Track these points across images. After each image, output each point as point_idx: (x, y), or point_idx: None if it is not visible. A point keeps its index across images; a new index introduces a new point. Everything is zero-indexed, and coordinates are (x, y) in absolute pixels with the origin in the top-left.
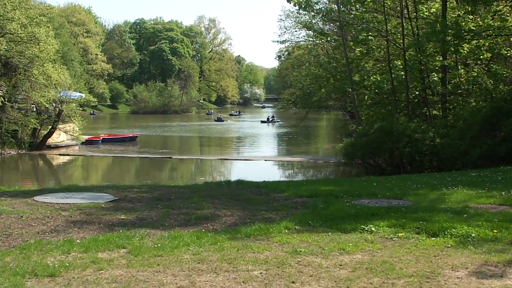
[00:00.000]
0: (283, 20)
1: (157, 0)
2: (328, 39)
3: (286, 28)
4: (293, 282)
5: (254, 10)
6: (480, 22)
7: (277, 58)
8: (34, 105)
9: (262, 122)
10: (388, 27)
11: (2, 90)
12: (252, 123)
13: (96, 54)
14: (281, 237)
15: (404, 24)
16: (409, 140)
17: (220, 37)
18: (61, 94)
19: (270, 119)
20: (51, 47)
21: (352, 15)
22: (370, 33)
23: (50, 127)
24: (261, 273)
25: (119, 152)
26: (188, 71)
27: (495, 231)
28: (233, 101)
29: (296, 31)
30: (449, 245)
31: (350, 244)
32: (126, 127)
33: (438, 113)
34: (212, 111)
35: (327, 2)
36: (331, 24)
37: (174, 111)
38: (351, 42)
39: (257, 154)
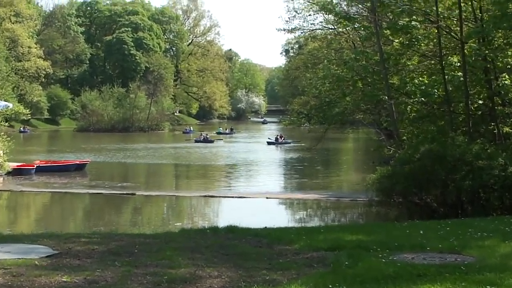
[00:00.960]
0: (292, 0)
1: None
2: (355, 26)
3: (296, 11)
4: None
5: None
6: None
7: (284, 54)
8: None
9: (270, 143)
10: (440, 9)
11: None
12: (250, 145)
13: (29, 47)
14: None
15: (462, 4)
16: (470, 169)
17: (204, 24)
18: None
19: (280, 140)
20: None
21: None
22: (414, 17)
23: None
24: None
25: (61, 186)
26: (159, 72)
27: None
28: (222, 114)
29: (310, 15)
30: None
31: None
32: (71, 150)
33: (511, 130)
34: (191, 128)
35: None
36: (359, 5)
37: (139, 128)
38: (388, 30)
39: (257, 190)
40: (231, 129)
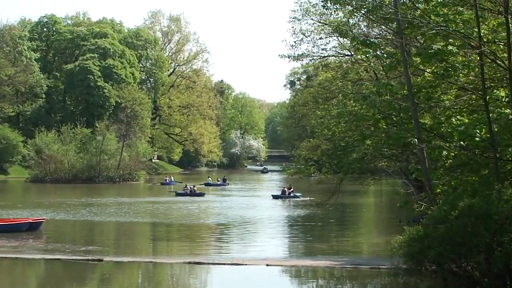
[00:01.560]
0: (299, 20)
1: None
2: (378, 52)
3: (303, 33)
4: None
5: (246, 19)
6: None
7: (288, 86)
8: None
9: (275, 197)
10: (483, 31)
11: None
12: (247, 199)
13: None
14: None
15: (511, 24)
16: None
17: (189, 49)
18: None
19: (289, 192)
20: None
21: (419, 12)
22: (451, 41)
23: None
24: None
25: (10, 249)
26: (133, 108)
27: None
28: (212, 161)
29: (321, 38)
30: None
31: None
32: (23, 205)
33: None
34: (172, 178)
35: None
36: (383, 27)
37: (107, 178)
38: (418, 57)
39: (255, 255)
40: (224, 180)
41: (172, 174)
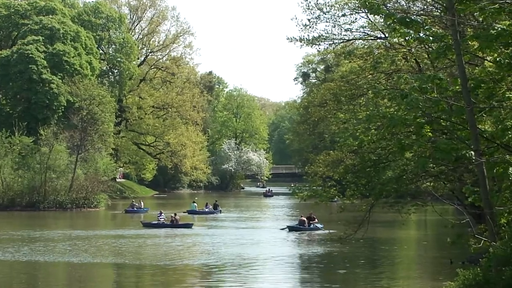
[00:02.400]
0: None
1: None
2: (421, 34)
3: (320, 8)
4: None
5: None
6: None
7: (300, 80)
8: None
9: (292, 229)
10: None
11: None
12: (246, 232)
13: None
14: None
15: None
16: None
17: (167, 30)
18: None
19: (309, 223)
20: None
21: None
22: None
23: None
24: None
25: None
26: (90, 110)
27: None
28: (197, 181)
29: (344, 15)
30: None
31: None
32: None
33: None
34: (142, 203)
35: None
36: (428, 0)
37: (56, 204)
38: (475, 41)
39: None
40: (215, 206)
41: (141, 198)
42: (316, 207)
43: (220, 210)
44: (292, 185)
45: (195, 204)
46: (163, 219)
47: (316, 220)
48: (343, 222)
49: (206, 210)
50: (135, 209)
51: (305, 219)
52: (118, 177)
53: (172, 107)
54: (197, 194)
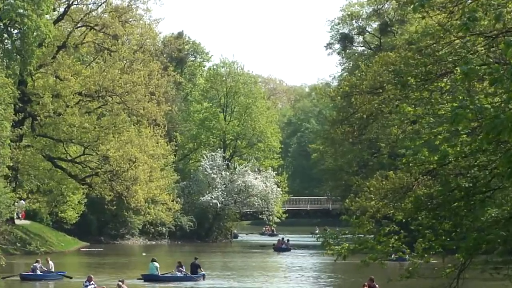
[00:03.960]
0: None
1: None
2: None
3: None
4: None
5: None
6: None
7: (337, 48)
8: None
9: None
10: None
11: None
12: None
13: None
14: None
15: None
16: None
17: None
18: None
19: None
20: None
21: None
22: None
23: None
24: None
25: None
26: None
27: None
28: (156, 224)
29: None
30: None
31: None
32: None
33: None
34: (50, 264)
35: None
36: None
37: None
38: None
39: None
40: (194, 267)
41: (59, 255)
42: (365, 270)
43: (204, 275)
44: (318, 232)
45: (156, 264)
46: None
47: None
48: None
49: (179, 274)
50: (39, 273)
51: None
52: (18, 216)
53: (113, 94)
54: (158, 248)
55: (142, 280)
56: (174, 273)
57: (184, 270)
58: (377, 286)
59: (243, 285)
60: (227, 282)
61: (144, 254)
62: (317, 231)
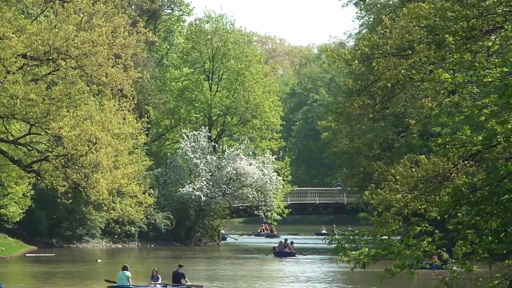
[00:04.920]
0: None
1: None
2: None
3: None
4: None
5: None
6: None
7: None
8: None
9: None
10: None
11: None
12: None
13: None
14: None
15: None
16: None
17: None
18: None
19: None
20: None
21: None
22: None
23: None
24: None
25: None
26: None
27: None
28: (123, 223)
29: None
30: None
31: None
32: None
33: None
34: None
35: None
36: None
37: None
38: None
39: None
40: (176, 276)
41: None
42: (390, 281)
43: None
44: (327, 237)
45: (127, 273)
46: None
47: None
48: None
49: (157, 285)
50: None
51: None
52: None
53: (67, 57)
54: (126, 252)
55: None
56: (150, 284)
57: (158, 280)
58: None
59: None
60: None
61: (99, 260)
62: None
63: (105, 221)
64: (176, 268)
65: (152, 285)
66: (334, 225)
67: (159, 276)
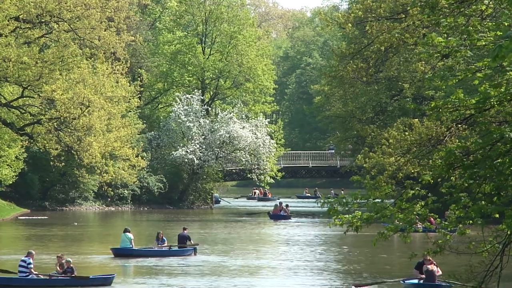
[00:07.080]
0: None
1: None
2: None
3: None
4: None
5: None
6: None
7: None
8: None
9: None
10: None
11: None
12: None
13: None
14: None
15: None
16: None
17: None
18: None
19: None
20: None
21: None
22: None
23: None
24: None
25: None
26: None
27: None
28: (117, 186)
29: None
30: None
31: None
32: None
33: None
34: None
35: None
36: None
37: None
38: None
39: None
40: (182, 239)
41: None
42: (384, 244)
43: (195, 249)
44: (330, 195)
45: (130, 235)
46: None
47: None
48: (444, 274)
49: (162, 247)
50: None
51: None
52: None
53: (60, 20)
54: (119, 215)
55: (113, 255)
56: (160, 246)
57: (163, 242)
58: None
59: (237, 262)
60: (219, 257)
61: (75, 223)
62: (307, 194)
63: (98, 184)
64: (181, 230)
65: (159, 247)
66: (317, 188)
67: (165, 239)
